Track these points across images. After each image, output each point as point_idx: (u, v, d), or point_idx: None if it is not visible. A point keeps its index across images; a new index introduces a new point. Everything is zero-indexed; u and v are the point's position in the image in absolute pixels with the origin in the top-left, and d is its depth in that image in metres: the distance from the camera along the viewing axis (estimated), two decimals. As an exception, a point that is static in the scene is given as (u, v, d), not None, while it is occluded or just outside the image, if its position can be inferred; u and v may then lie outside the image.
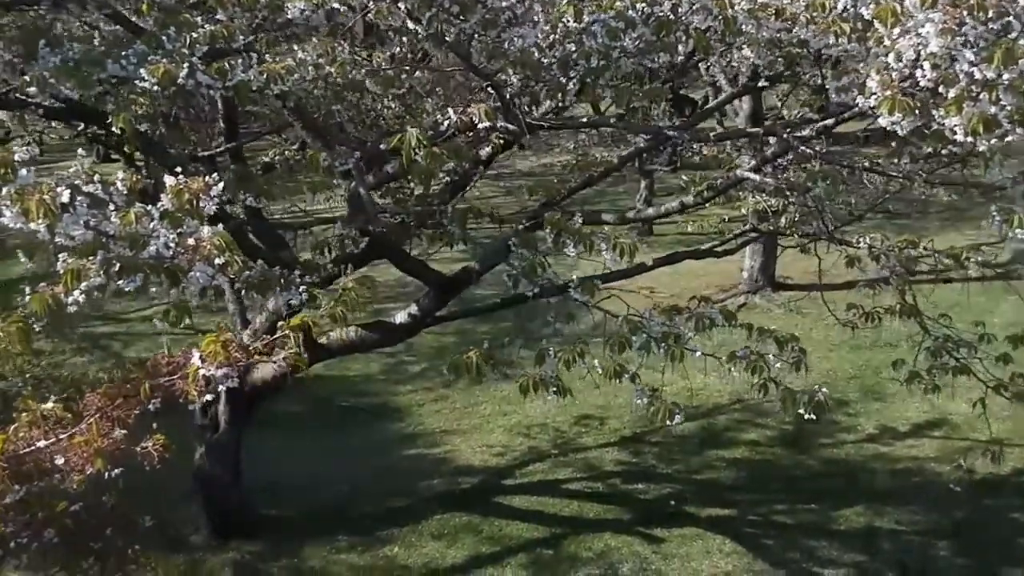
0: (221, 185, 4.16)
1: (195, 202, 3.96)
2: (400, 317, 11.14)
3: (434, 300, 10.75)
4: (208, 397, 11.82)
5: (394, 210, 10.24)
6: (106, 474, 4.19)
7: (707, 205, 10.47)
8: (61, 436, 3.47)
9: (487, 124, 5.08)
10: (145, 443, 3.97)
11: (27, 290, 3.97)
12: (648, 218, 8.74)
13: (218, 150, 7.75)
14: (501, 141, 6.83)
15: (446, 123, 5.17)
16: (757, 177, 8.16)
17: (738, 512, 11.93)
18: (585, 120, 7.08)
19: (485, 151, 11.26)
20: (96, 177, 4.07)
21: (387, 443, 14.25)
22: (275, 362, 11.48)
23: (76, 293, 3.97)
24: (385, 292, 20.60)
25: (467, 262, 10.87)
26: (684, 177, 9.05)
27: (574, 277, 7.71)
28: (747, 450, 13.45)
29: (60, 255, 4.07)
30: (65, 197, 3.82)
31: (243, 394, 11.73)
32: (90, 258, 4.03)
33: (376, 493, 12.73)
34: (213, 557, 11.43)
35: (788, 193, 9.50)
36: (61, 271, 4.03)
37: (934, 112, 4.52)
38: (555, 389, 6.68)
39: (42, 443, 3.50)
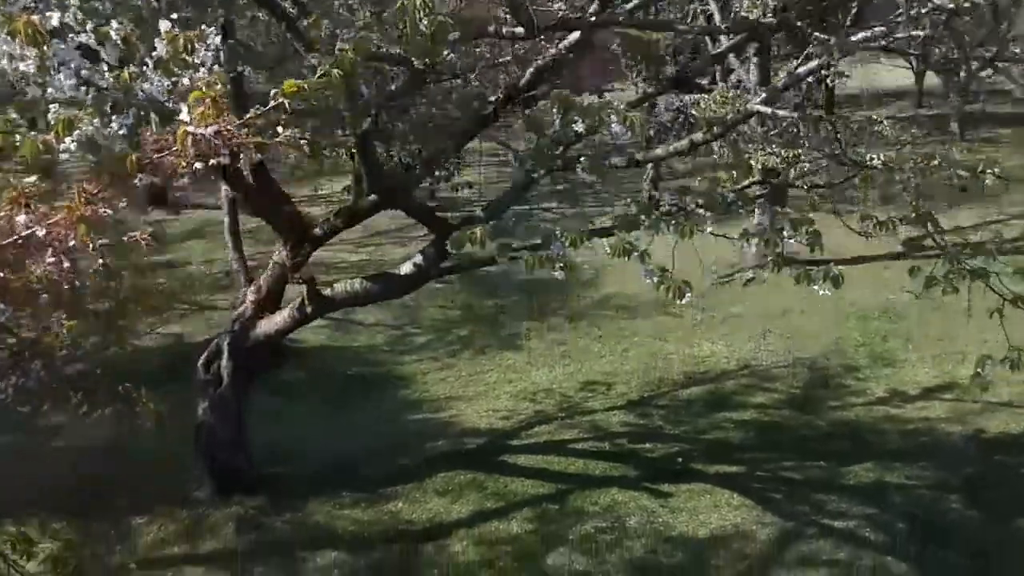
0: (219, 38, 4.05)
1: (190, 48, 3.85)
2: (404, 268, 11.02)
3: (439, 249, 10.63)
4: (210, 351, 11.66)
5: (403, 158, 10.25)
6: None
7: (716, 155, 10.37)
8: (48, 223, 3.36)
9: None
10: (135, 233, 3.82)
11: (18, 137, 3.86)
12: (657, 158, 8.59)
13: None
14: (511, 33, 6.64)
15: (450, -1, 5.06)
16: (768, 109, 8.03)
17: (746, 469, 11.79)
18: (594, 19, 6.86)
19: (489, 105, 11.20)
20: (89, 27, 3.97)
21: (392, 409, 14.13)
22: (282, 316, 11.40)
23: (68, 140, 3.86)
24: (393, 268, 20.52)
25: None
26: (695, 112, 8.91)
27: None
28: (755, 412, 13.30)
29: (51, 105, 3.96)
30: (55, 21, 3.72)
31: (246, 350, 11.65)
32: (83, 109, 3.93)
33: (380, 454, 12.61)
34: (216, 512, 11.32)
35: (798, 134, 9.36)
36: (52, 121, 3.92)
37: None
38: (561, 266, 6.49)
39: (22, 218, 3.36)
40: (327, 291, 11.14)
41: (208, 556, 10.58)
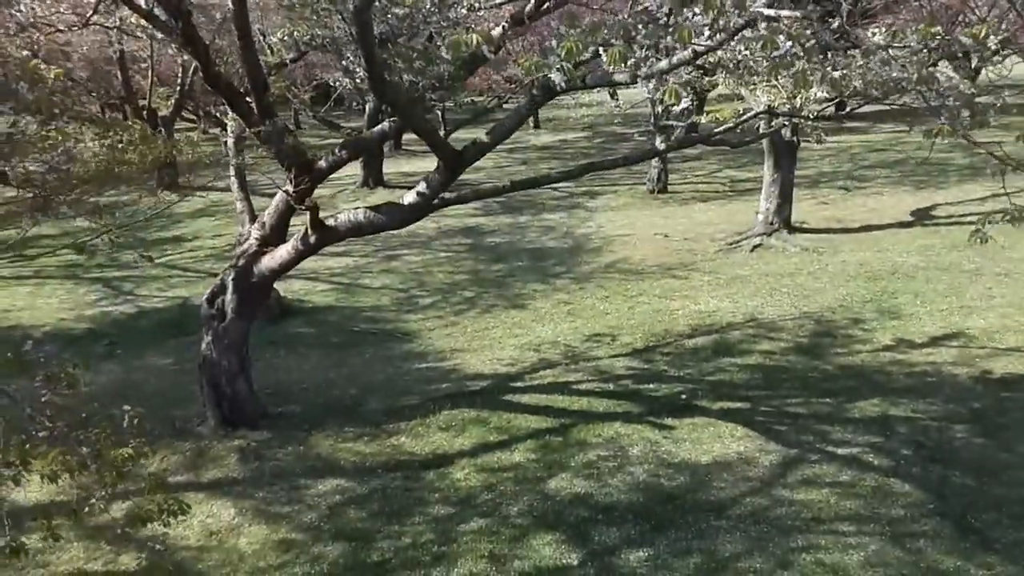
0: None
1: None
2: (408, 197, 11.00)
3: (443, 175, 10.60)
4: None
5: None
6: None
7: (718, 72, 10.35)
8: None
9: None
10: None
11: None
12: (662, 71, 8.52)
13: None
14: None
15: None
16: (772, 12, 7.98)
17: (750, 405, 11.72)
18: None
19: (496, 31, 11.23)
20: None
21: (396, 358, 14.14)
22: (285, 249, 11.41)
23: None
24: (397, 251, 20.59)
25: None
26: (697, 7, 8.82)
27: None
28: (760, 358, 13.23)
29: None
30: None
31: (250, 284, 11.67)
32: None
33: (385, 395, 12.62)
34: (219, 444, 11.34)
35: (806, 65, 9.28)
36: None
37: None
38: (564, 76, 6.43)
39: None
40: (330, 221, 11.14)
41: (208, 484, 10.57)
